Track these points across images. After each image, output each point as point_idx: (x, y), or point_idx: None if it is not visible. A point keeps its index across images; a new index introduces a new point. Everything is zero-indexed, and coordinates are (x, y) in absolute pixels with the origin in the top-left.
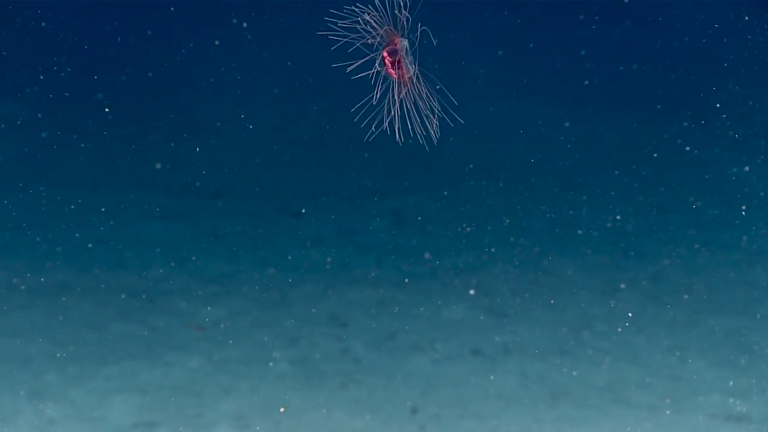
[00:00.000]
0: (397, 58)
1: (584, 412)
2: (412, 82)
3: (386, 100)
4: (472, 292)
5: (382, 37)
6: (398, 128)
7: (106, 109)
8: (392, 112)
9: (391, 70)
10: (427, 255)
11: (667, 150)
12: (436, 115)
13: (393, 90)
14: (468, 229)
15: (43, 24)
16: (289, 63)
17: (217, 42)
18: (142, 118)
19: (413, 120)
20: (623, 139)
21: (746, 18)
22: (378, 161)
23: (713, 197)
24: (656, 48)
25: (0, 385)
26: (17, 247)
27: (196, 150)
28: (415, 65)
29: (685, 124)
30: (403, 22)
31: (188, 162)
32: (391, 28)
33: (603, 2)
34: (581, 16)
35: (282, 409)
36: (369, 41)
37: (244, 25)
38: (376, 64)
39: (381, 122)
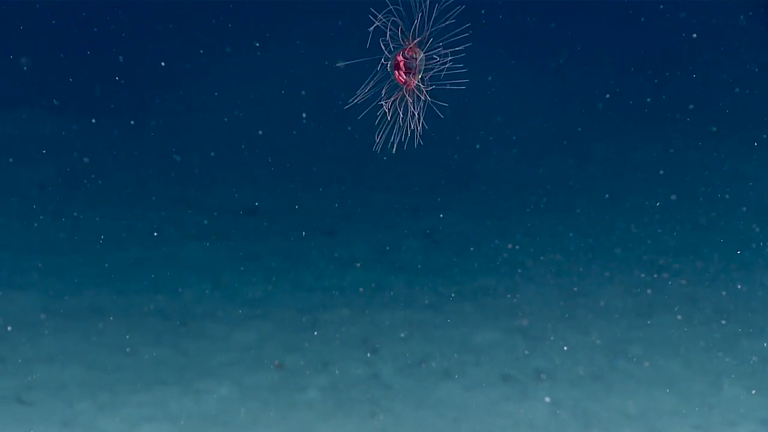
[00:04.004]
0: (411, 66)
1: None
2: (418, 90)
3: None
4: (505, 314)
5: (402, 43)
6: (393, 130)
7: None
8: (392, 116)
9: (401, 76)
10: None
11: (704, 165)
12: (420, 123)
13: (399, 96)
14: (502, 249)
15: (83, 47)
16: (322, 83)
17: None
18: (180, 136)
19: (412, 123)
20: (661, 154)
21: None
22: (413, 178)
23: (752, 214)
24: (696, 61)
25: (32, 412)
26: (54, 270)
27: (231, 168)
28: (425, 77)
29: (724, 138)
30: (425, 33)
31: (224, 180)
32: (412, 36)
33: (646, 13)
34: (626, 27)
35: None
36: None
37: (277, 43)
38: (387, 65)
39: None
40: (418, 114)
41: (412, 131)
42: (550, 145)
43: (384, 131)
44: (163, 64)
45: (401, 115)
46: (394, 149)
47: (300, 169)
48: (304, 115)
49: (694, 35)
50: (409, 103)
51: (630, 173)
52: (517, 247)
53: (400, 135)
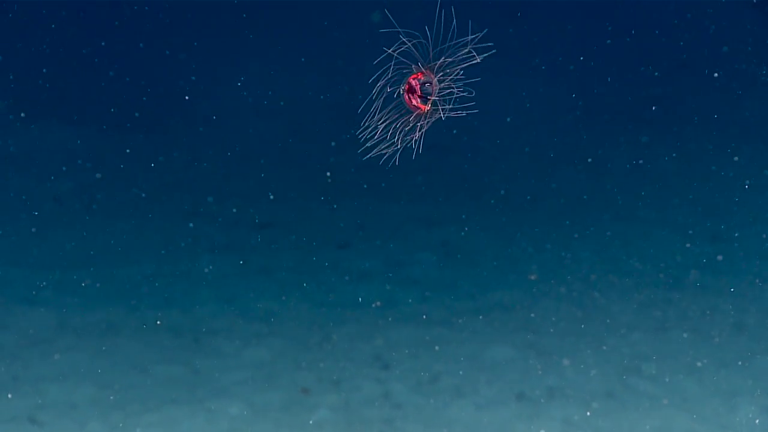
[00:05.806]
0: (424, 91)
1: None
2: (428, 114)
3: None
4: (518, 330)
5: (420, 68)
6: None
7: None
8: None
9: (413, 99)
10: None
11: (721, 177)
12: (418, 145)
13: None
14: (517, 263)
15: (97, 61)
16: (336, 96)
17: (272, 72)
18: (193, 149)
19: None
20: (676, 166)
21: None
22: (427, 189)
23: None
24: (714, 68)
25: None
26: (66, 285)
27: (244, 180)
28: (436, 104)
29: (741, 149)
30: (441, 60)
31: (237, 193)
32: (430, 63)
33: (660, 22)
34: (641, 36)
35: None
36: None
37: (290, 56)
38: (400, 88)
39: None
40: (424, 128)
41: (420, 143)
42: (564, 157)
43: (395, 146)
44: (187, 95)
45: (412, 131)
46: (419, 153)
47: (313, 182)
48: (318, 128)
49: (711, 42)
50: (420, 123)
51: (645, 185)
52: (534, 260)
53: (409, 146)
